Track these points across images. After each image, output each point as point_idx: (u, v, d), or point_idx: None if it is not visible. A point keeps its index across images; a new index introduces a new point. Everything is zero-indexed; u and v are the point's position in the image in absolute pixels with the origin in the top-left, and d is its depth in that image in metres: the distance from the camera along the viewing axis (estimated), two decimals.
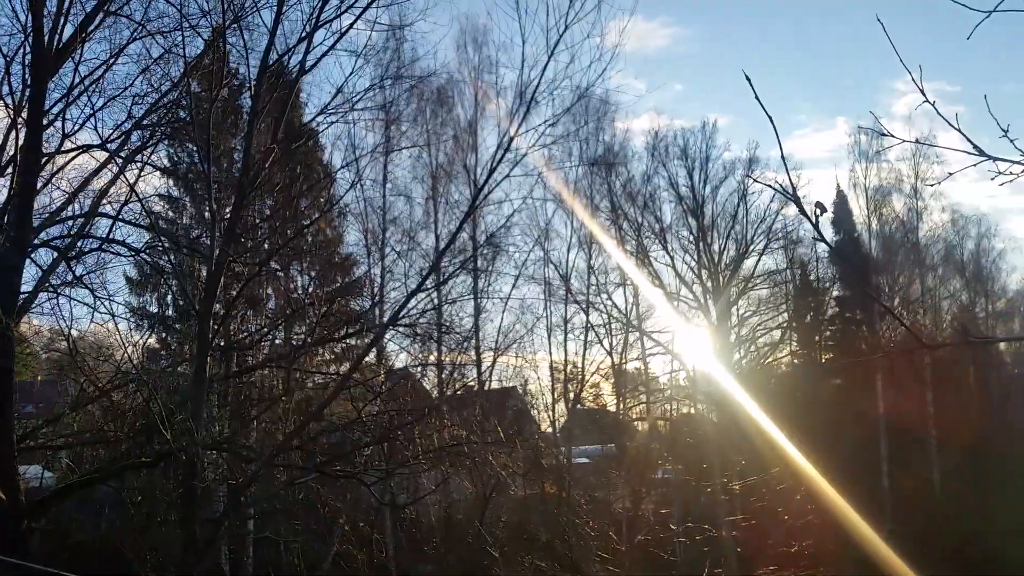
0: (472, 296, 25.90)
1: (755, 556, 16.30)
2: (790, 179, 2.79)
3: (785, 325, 35.03)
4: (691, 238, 33.14)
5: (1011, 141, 2.75)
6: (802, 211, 2.01)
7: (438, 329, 20.87)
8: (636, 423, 34.54)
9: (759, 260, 33.46)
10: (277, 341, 17.89)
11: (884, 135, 3.25)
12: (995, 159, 2.78)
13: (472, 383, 28.61)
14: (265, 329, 15.50)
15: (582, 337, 31.04)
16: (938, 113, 2.73)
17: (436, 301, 18.72)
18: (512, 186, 29.84)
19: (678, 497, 19.70)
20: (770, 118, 2.31)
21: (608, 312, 31.76)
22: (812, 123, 78.93)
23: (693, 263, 33.18)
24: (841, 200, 36.59)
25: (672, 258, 33.13)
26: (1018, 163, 2.72)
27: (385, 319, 14.05)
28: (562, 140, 27.09)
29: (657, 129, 33.24)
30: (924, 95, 2.77)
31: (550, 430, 31.06)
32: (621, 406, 32.94)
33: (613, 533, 17.07)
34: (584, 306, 30.88)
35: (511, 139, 9.80)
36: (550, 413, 31.55)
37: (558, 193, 30.18)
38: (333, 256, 19.05)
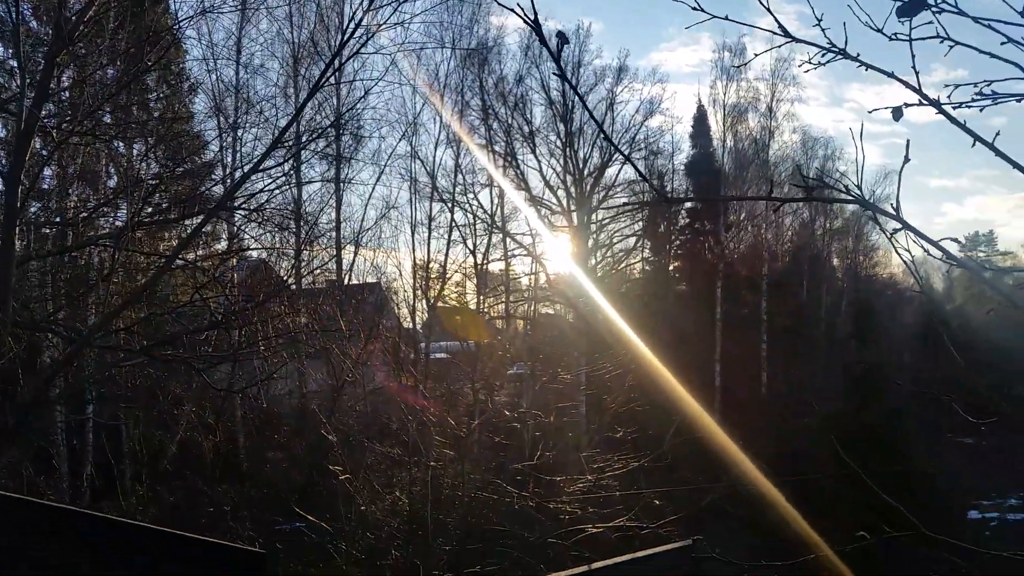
0: (334, 183, 25.24)
1: (589, 440, 17.49)
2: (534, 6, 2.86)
3: (640, 233, 36.51)
4: (559, 143, 33.52)
5: (823, 30, 2.90)
6: (542, 40, 2.06)
7: (295, 216, 20.36)
8: (495, 321, 35.49)
9: (621, 169, 34.42)
10: (119, 222, 16.90)
11: (696, 8, 3.24)
12: (796, 40, 2.92)
13: (332, 276, 28.30)
14: (100, 204, 14.53)
15: (446, 236, 31.18)
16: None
17: (292, 186, 18.16)
18: (379, 68, 28.88)
19: (528, 389, 20.59)
20: None
21: (473, 212, 31.94)
22: (679, 36, 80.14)
23: (559, 168, 33.68)
24: (701, 115, 37.84)
25: (540, 162, 33.49)
26: (820, 47, 2.88)
27: (238, 203, 13.46)
28: (430, 25, 26.34)
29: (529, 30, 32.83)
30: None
31: (411, 326, 31.41)
32: (482, 305, 33.60)
33: (462, 421, 17.69)
34: (450, 205, 30.88)
35: (365, 12, 9.42)
36: (411, 309, 31.83)
37: (426, 91, 29.52)
38: (180, 134, 17.93)
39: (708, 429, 19.27)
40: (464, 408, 21.09)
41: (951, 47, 3.00)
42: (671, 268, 39.26)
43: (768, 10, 2.95)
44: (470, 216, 31.73)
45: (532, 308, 36.32)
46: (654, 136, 34.66)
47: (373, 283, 31.09)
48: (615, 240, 35.71)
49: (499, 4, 2.01)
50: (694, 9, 3.12)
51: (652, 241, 37.54)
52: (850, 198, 2.13)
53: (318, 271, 24.99)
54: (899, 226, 2.12)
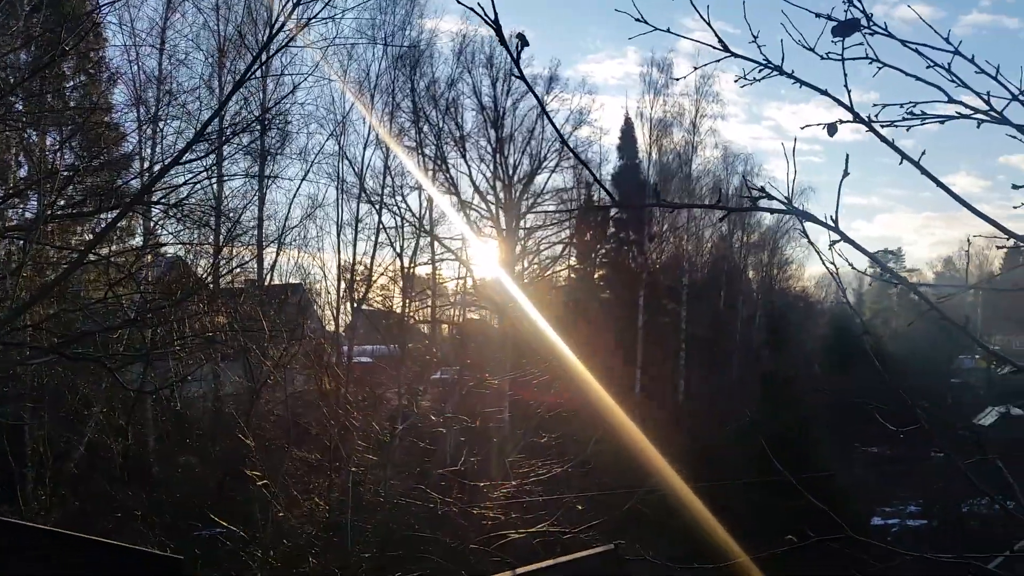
0: (257, 180, 24.58)
1: (514, 446, 17.52)
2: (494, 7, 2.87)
3: (567, 241, 36.91)
4: (489, 149, 33.59)
5: (759, 47, 2.96)
6: (502, 41, 2.04)
7: (215, 212, 19.75)
8: (421, 325, 35.23)
9: (550, 177, 34.76)
10: (29, 214, 16.04)
11: (639, 20, 3.26)
12: (737, 55, 2.99)
13: (252, 275, 27.55)
14: (9, 195, 13.74)
15: (373, 238, 30.76)
16: (693, 6, 2.89)
17: (213, 181, 17.60)
18: (308, 64, 28.36)
19: (453, 394, 20.51)
20: None
21: (401, 215, 31.63)
22: (606, 48, 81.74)
23: (489, 174, 33.76)
24: (628, 127, 38.63)
25: (470, 167, 33.48)
26: (758, 63, 2.94)
27: (156, 197, 12.93)
28: (363, 23, 26.02)
29: (465, 33, 32.85)
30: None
31: (334, 328, 30.85)
32: (407, 309, 33.29)
33: (386, 426, 17.48)
34: (378, 206, 30.51)
35: (295, 6, 9.21)
36: (335, 312, 31.27)
37: (356, 89, 29.13)
38: (98, 124, 17.16)
39: (630, 435, 19.59)
40: (388, 413, 20.89)
41: (880, 68, 3.15)
42: (596, 276, 39.82)
43: (708, 24, 3.02)
44: (398, 219, 31.44)
45: (459, 313, 36.23)
46: (583, 146, 35.13)
47: (296, 284, 30.41)
48: (542, 247, 36.02)
49: (459, 3, 1.98)
50: (637, 20, 3.18)
51: (578, 249, 38.00)
52: (789, 209, 2.19)
53: (238, 270, 24.28)
54: (837, 238, 2.19)
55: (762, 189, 2.21)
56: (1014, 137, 2.99)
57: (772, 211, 2.22)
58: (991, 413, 43.21)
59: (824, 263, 2.72)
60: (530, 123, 33.54)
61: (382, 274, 32.36)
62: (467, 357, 25.37)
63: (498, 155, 33.36)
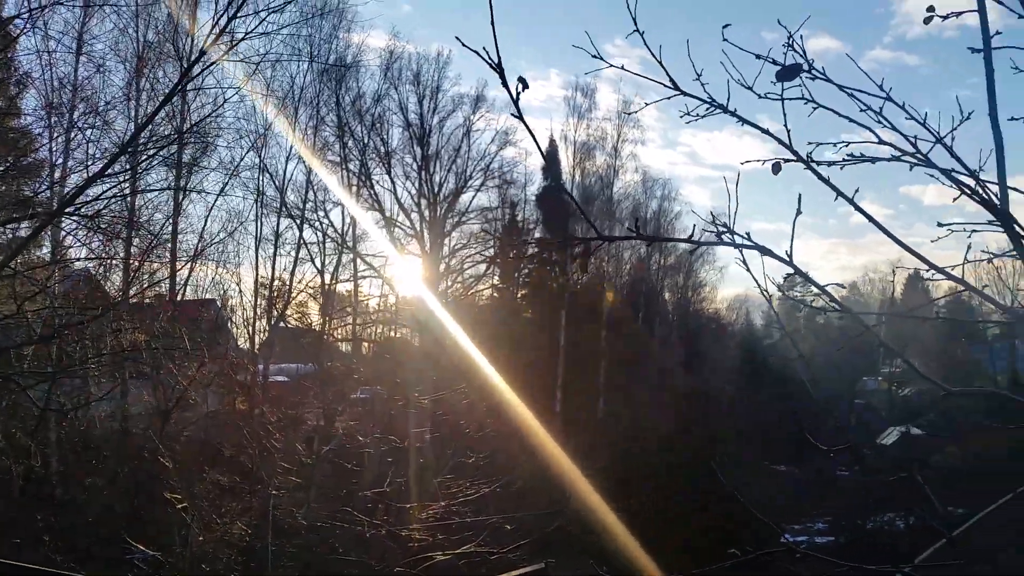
0: (172, 191, 23.76)
1: (438, 465, 17.40)
2: (498, 51, 2.96)
3: (490, 260, 37.12)
4: (415, 166, 33.56)
5: (703, 85, 3.12)
6: (504, 82, 2.11)
7: (128, 224, 19.00)
8: (340, 344, 34.70)
9: (475, 196, 34.98)
10: None
11: (596, 56, 3.39)
12: (685, 94, 3.15)
13: (164, 290, 26.55)
14: None
15: (293, 253, 30.18)
16: (646, 46, 3.03)
17: (127, 193, 16.94)
18: (230, 78, 27.67)
19: (373, 414, 20.24)
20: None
21: (323, 230, 31.20)
22: (530, 70, 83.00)
23: (414, 191, 33.69)
24: (553, 149, 39.27)
25: (394, 183, 33.33)
26: (705, 102, 3.10)
27: (69, 209, 12.36)
28: (289, 38, 25.63)
29: (392, 49, 32.83)
30: (636, 25, 3.07)
31: (250, 346, 30.01)
32: (327, 326, 32.73)
33: (304, 447, 17.12)
34: (299, 221, 29.98)
35: (230, 19, 9.06)
36: (251, 329, 30.43)
37: (280, 97, 28.61)
38: (6, 131, 16.35)
39: (554, 456, 19.77)
40: (307, 433, 20.44)
41: (815, 108, 3.39)
42: (519, 296, 40.15)
43: (661, 64, 3.18)
44: (320, 234, 30.97)
45: (380, 331, 35.86)
46: (508, 166, 35.51)
47: (211, 300, 29.50)
48: (466, 266, 36.12)
49: (464, 46, 2.06)
50: (594, 57, 3.32)
51: (502, 269, 38.25)
52: (752, 244, 2.34)
53: (152, 285, 23.35)
54: (791, 271, 2.35)
55: (725, 225, 2.35)
56: (935, 177, 3.25)
57: (734, 245, 2.36)
58: (892, 433, 45.52)
59: (765, 294, 2.89)
60: (456, 141, 33.75)
61: (302, 291, 31.77)
62: (389, 376, 25.12)
63: (424, 172, 33.38)
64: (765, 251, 2.41)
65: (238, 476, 16.14)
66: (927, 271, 3.28)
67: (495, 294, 39.32)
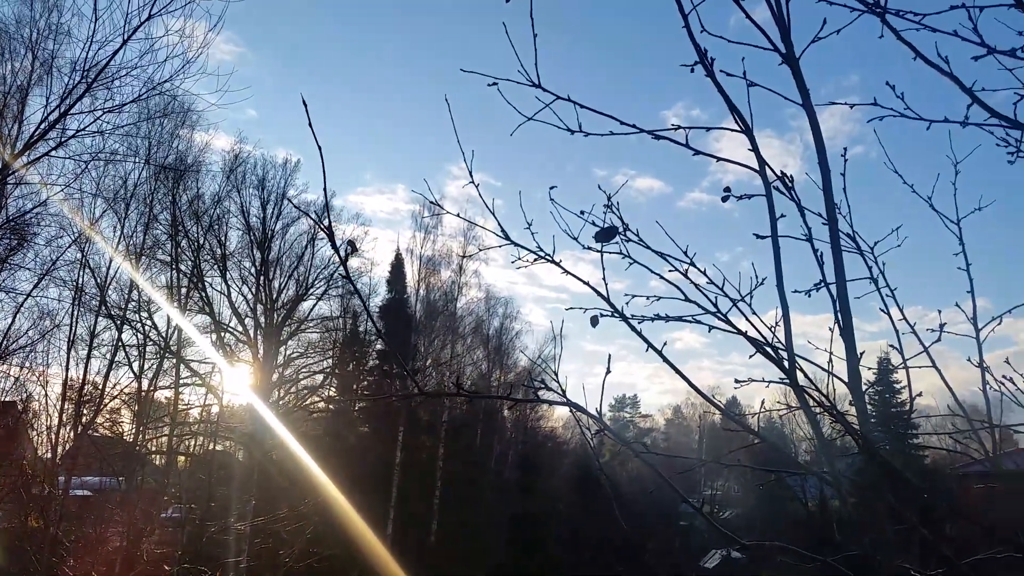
0: None
1: None
2: (329, 216, 3.01)
3: (328, 371, 36.12)
4: (253, 271, 32.61)
5: (532, 234, 3.33)
6: (334, 246, 2.16)
7: None
8: (155, 456, 32.01)
9: (316, 304, 34.26)
10: None
11: (435, 203, 3.66)
12: (516, 244, 3.34)
13: None
14: None
15: (110, 356, 27.92)
16: (480, 197, 3.21)
17: None
18: (58, 171, 26.04)
19: (183, 536, 18.61)
20: (319, 147, 2.27)
21: (145, 333, 29.22)
22: (376, 183, 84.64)
23: (251, 296, 32.58)
24: (398, 262, 39.62)
25: (229, 287, 32.11)
26: (533, 252, 3.30)
27: None
28: (125, 135, 24.64)
29: (237, 152, 32.41)
30: (471, 177, 3.25)
31: (50, 455, 27.00)
32: (140, 437, 30.16)
33: (103, 573, 15.41)
34: (118, 322, 27.94)
35: (62, 115, 8.66)
36: (54, 437, 27.47)
37: (112, 192, 27.19)
38: None
39: None
40: (108, 556, 18.41)
41: (631, 263, 3.69)
42: (356, 409, 39.08)
43: (494, 215, 3.38)
44: (140, 336, 28.97)
45: (200, 443, 33.48)
46: (353, 276, 35.20)
47: (11, 403, 26.53)
48: (302, 376, 34.87)
49: (297, 209, 2.09)
50: (432, 203, 3.49)
51: (340, 380, 37.25)
52: (566, 401, 2.47)
53: None
54: (599, 428, 2.49)
55: (542, 382, 2.47)
56: (731, 332, 3.57)
57: (551, 403, 2.47)
58: (715, 556, 47.19)
59: (590, 445, 3.04)
60: (300, 248, 33.25)
61: (115, 397, 29.27)
62: (206, 494, 23.36)
63: (263, 277, 32.45)
64: (578, 408, 2.54)
65: None
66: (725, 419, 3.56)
67: (331, 406, 38.06)
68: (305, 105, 2.12)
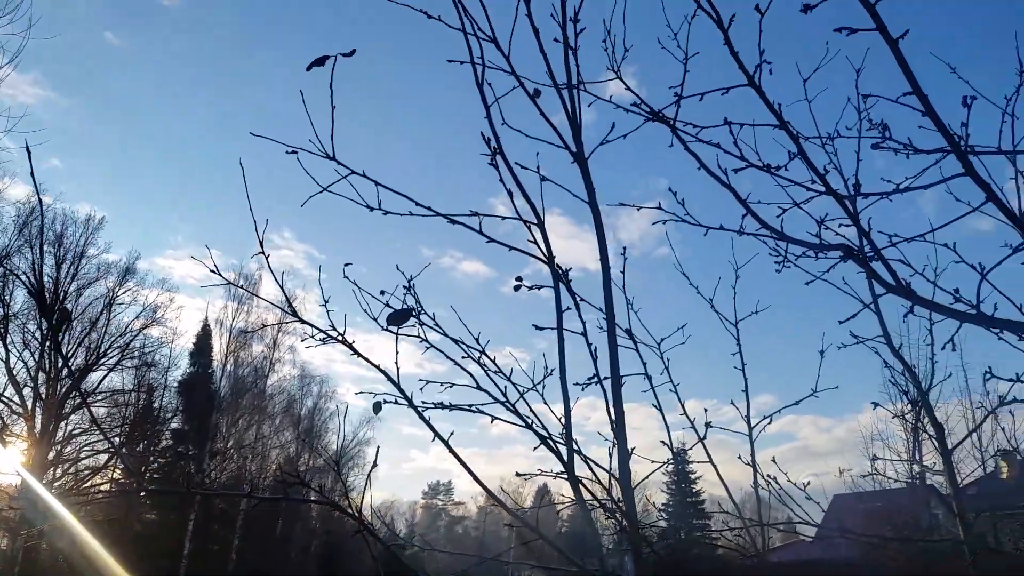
0: None
1: None
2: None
3: (114, 450, 32.75)
4: (39, 335, 29.42)
5: (328, 312, 3.19)
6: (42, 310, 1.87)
7: None
8: None
9: (107, 375, 31.31)
10: None
11: (213, 271, 3.44)
12: (303, 322, 3.17)
13: None
14: None
15: None
16: (269, 267, 3.00)
17: None
18: None
19: None
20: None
21: None
22: (188, 246, 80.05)
23: (33, 363, 29.31)
24: (205, 333, 37.20)
25: (8, 352, 28.72)
26: (323, 332, 3.12)
27: None
28: None
29: (34, 206, 29.61)
30: (261, 247, 3.04)
31: None
32: None
33: None
34: None
35: None
36: None
37: None
38: None
39: None
40: None
41: (427, 347, 3.61)
42: (143, 493, 35.50)
43: (287, 298, 3.22)
44: None
45: None
46: (152, 346, 32.67)
47: None
48: (84, 454, 31.32)
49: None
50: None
51: (128, 461, 33.82)
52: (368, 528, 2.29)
53: None
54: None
55: (336, 504, 2.27)
56: (518, 425, 3.56)
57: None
58: None
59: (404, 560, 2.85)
60: (95, 312, 30.52)
61: None
62: None
63: (48, 343, 29.31)
64: (371, 532, 2.37)
65: None
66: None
67: (115, 489, 34.31)
68: (28, 152, 1.89)
